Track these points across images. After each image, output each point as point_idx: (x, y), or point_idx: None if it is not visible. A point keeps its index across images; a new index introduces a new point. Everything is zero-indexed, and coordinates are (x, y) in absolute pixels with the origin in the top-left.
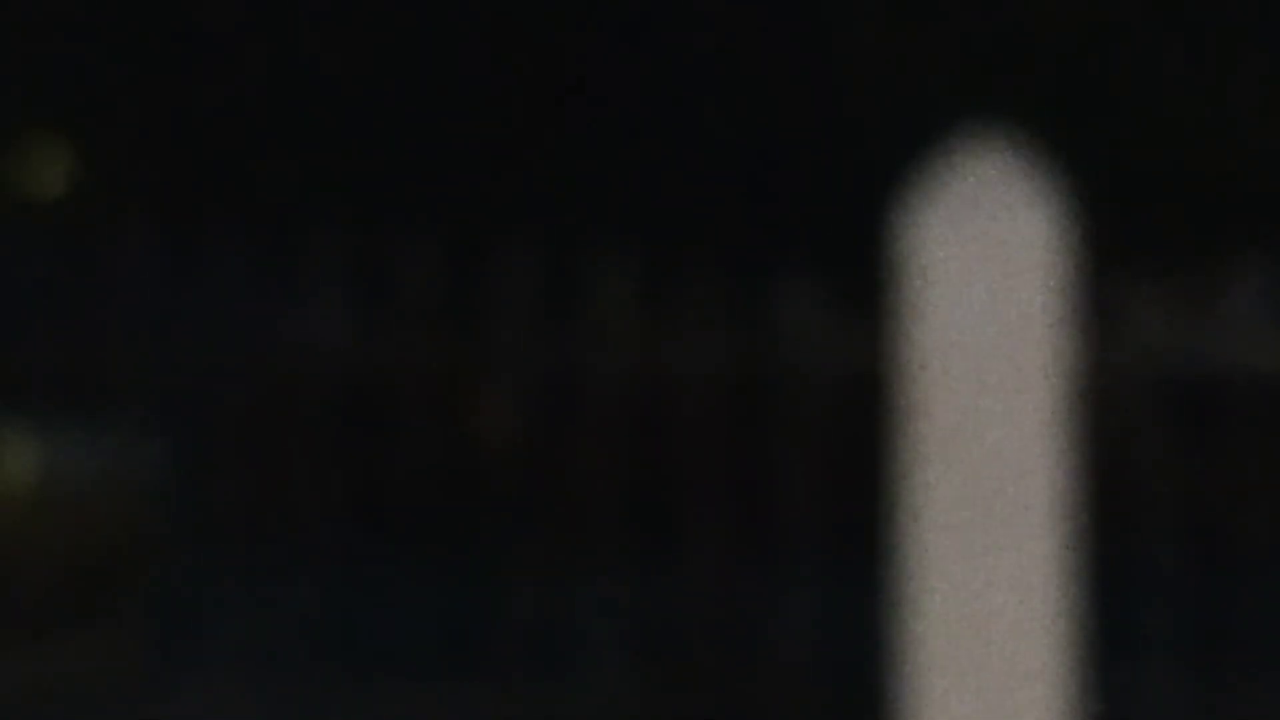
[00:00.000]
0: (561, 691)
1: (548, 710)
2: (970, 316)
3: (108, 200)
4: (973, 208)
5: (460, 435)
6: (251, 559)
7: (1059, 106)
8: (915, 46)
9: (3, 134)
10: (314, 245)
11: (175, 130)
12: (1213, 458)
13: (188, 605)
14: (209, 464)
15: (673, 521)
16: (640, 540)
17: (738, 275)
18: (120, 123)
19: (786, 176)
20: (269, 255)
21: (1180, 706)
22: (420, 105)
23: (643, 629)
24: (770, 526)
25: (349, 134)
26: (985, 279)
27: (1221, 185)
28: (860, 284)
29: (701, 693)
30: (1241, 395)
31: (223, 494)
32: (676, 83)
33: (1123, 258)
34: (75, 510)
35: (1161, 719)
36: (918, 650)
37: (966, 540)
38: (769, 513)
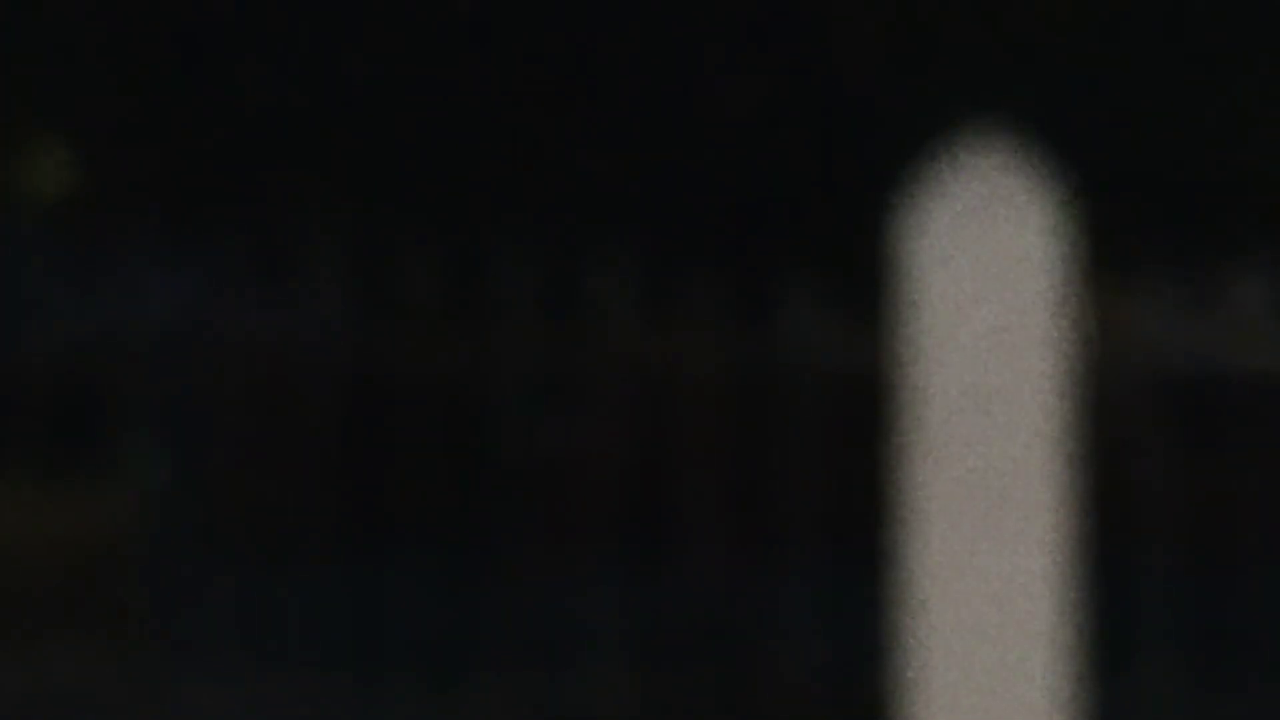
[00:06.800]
0: (562, 691)
1: (548, 709)
2: (970, 316)
3: (105, 201)
4: (973, 207)
5: (461, 436)
6: (251, 559)
7: (1060, 105)
8: (916, 45)
9: (2, 134)
10: (314, 245)
11: (175, 131)
12: (1215, 457)
13: (187, 606)
14: (209, 464)
15: (673, 521)
16: (640, 540)
17: (737, 275)
18: (119, 122)
19: (786, 175)
20: (269, 255)
21: (1180, 707)
22: (421, 104)
23: (643, 629)
24: (770, 526)
25: (349, 135)
26: (985, 278)
27: (1224, 184)
28: (860, 283)
29: (702, 693)
30: (1244, 395)
31: (223, 494)
32: (675, 82)
33: (1124, 256)
34: (74, 511)
35: (1158, 718)
36: (917, 651)
37: (966, 540)
38: (769, 512)
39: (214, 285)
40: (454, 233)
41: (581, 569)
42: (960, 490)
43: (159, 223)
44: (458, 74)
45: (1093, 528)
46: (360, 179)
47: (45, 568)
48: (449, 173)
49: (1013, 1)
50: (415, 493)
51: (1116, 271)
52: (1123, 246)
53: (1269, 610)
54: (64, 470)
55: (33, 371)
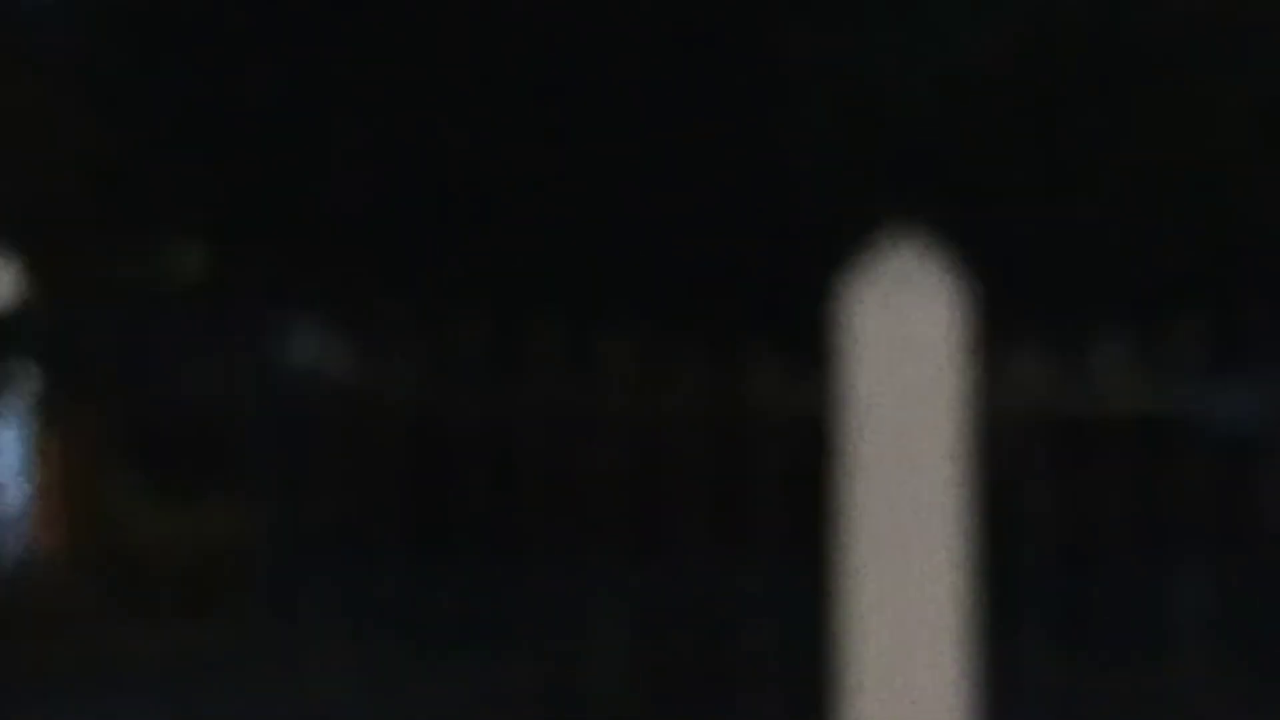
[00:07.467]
0: (574, 664)
1: (564, 677)
2: (892, 373)
3: (229, 285)
4: (894, 287)
5: (502, 462)
6: (340, 560)
7: (962, 213)
8: (855, 165)
9: (144, 235)
10: (387, 312)
11: (279, 229)
12: (1082, 484)
13: (293, 594)
14: (313, 484)
15: (664, 531)
16: (638, 546)
17: (716, 344)
18: (234, 224)
19: (756, 269)
20: (357, 325)
21: (1051, 681)
22: (473, 209)
23: (639, 618)
24: (739, 539)
25: (416, 233)
26: (904, 342)
27: (1088, 271)
28: (812, 349)
29: (684, 669)
30: (1106, 432)
31: (323, 508)
32: (670, 202)
33: (1009, 325)
34: (215, 518)
35: (1035, 690)
36: (852, 633)
37: (887, 546)
38: (739, 528)
39: (317, 347)
40: (497, 306)
41: (592, 568)
42: (884, 508)
43: (273, 302)
44: (499, 185)
45: (985, 539)
46: (424, 266)
47: (188, 563)
48: (493, 260)
49: (929, 125)
50: (467, 507)
51: (1004, 338)
52: (1008, 318)
53: (1125, 602)
54: (208, 488)
55: (179, 416)
